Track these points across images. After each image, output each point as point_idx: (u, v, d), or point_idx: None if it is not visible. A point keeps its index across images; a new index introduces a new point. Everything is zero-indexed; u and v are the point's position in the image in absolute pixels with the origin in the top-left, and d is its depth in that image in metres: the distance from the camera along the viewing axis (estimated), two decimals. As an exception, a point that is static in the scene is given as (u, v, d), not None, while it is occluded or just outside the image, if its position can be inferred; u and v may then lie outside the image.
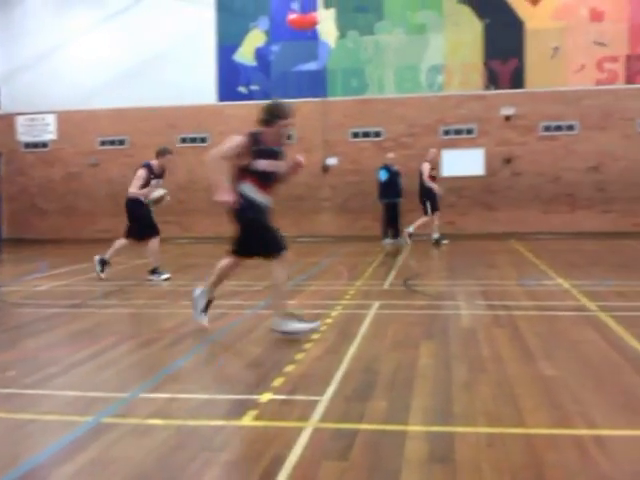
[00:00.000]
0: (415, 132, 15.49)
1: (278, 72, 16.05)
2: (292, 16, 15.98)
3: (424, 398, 3.80)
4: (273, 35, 16.06)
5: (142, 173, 8.80)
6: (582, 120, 14.87)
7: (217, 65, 16.23)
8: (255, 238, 5.23)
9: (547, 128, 15.07)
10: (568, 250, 11.96)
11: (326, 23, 15.87)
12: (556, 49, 14.93)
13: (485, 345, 5.02)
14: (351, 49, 15.83)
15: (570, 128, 14.97)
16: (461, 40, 15.32)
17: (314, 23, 15.92)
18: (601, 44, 14.76)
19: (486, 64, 15.27)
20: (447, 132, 15.48)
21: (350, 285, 8.10)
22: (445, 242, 13.14)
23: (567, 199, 14.91)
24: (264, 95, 15.99)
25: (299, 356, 4.74)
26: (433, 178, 13.16)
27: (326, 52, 15.90)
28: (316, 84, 15.88)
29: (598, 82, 14.87)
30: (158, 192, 8.86)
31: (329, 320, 5.99)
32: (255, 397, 3.84)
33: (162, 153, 8.97)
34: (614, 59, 14.80)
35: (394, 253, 11.97)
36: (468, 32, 15.26)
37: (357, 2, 15.72)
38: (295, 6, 15.96)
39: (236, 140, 5.13)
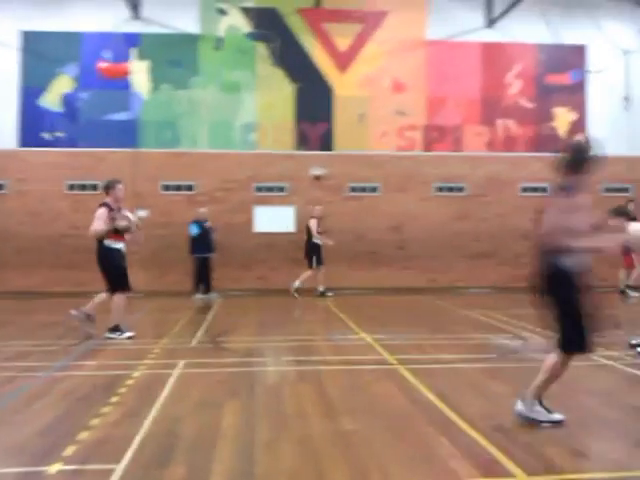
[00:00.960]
0: (229, 187, 15.59)
1: (86, 120, 15.47)
2: (103, 64, 15.58)
3: (226, 460, 3.69)
4: (82, 82, 15.52)
5: (102, 211, 8.04)
6: (385, 182, 15.86)
7: (20, 109, 15.31)
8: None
9: (353, 189, 15.88)
10: (371, 305, 12.51)
11: (139, 74, 15.64)
12: (362, 116, 15.90)
13: (290, 402, 5.03)
14: (164, 102, 15.70)
15: (374, 190, 15.90)
16: (273, 101, 15.82)
17: (125, 73, 15.63)
18: (402, 113, 15.95)
19: (297, 125, 15.86)
20: (260, 189, 15.76)
21: (155, 343, 7.80)
22: (330, 294, 13.57)
23: (370, 256, 15.69)
24: (70, 143, 15.29)
25: (95, 421, 4.43)
26: (320, 233, 13.70)
27: (138, 103, 15.63)
28: (127, 134, 15.49)
29: (399, 148, 16.02)
30: (124, 221, 8.10)
31: (130, 382, 5.69)
32: (43, 469, 3.52)
33: (110, 187, 8.25)
34: (413, 127, 16.06)
35: (204, 309, 11.79)
36: (280, 94, 15.80)
37: (172, 56, 15.71)
38: (107, 54, 15.58)
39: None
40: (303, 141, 15.88)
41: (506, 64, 16.05)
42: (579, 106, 16.17)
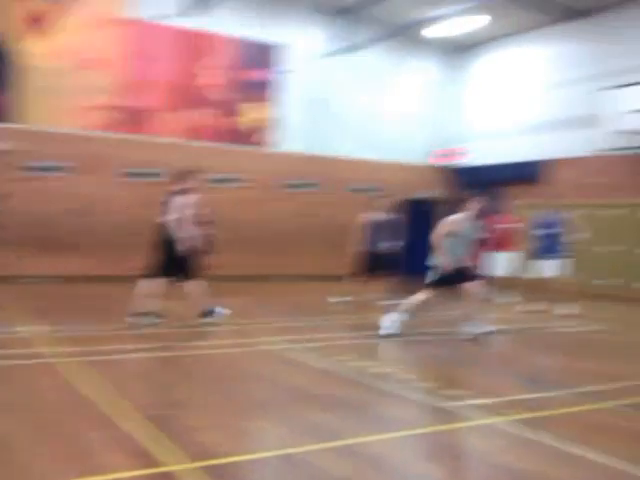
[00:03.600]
0: None
1: None
2: None
3: None
4: None
5: None
6: (73, 163, 14.96)
7: None
8: None
9: (32, 168, 14.68)
10: (40, 295, 11.85)
11: None
12: (50, 89, 14.82)
13: None
14: None
15: (59, 170, 14.94)
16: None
17: None
18: (95, 91, 15.24)
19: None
20: None
21: None
22: None
23: (50, 241, 14.59)
24: None
25: None
26: None
27: None
28: None
29: (90, 127, 15.26)
30: None
31: None
32: None
33: None
34: (105, 107, 15.38)
35: None
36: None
37: None
38: None
39: None
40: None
41: (203, 53, 16.18)
42: (271, 104, 16.98)
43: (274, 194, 16.86)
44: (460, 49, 19.78)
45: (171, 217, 8.33)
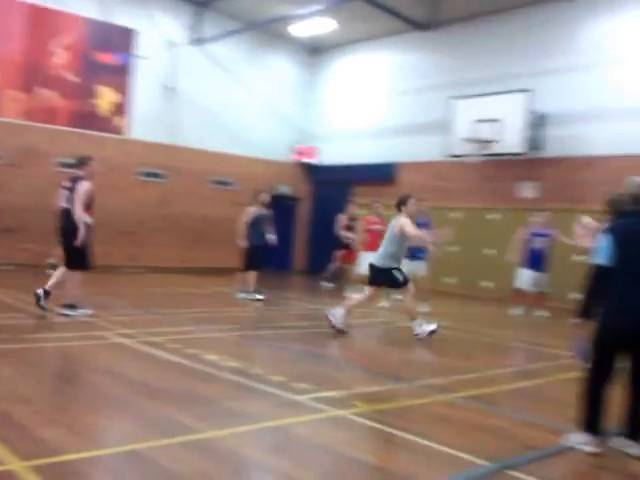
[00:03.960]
0: None
1: None
2: None
3: None
4: None
5: None
6: None
7: None
8: None
9: None
10: None
11: None
12: None
13: None
14: None
15: None
16: None
17: None
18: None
19: None
20: None
21: None
22: None
23: None
24: None
25: None
26: None
27: None
28: None
29: None
30: None
31: None
32: None
33: None
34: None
35: None
36: None
37: None
38: None
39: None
40: None
41: (54, 32, 15.18)
42: (124, 88, 16.40)
43: (129, 182, 16.31)
44: (319, 50, 20.26)
45: (75, 204, 8.27)
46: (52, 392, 5.08)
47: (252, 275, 11.89)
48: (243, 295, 11.79)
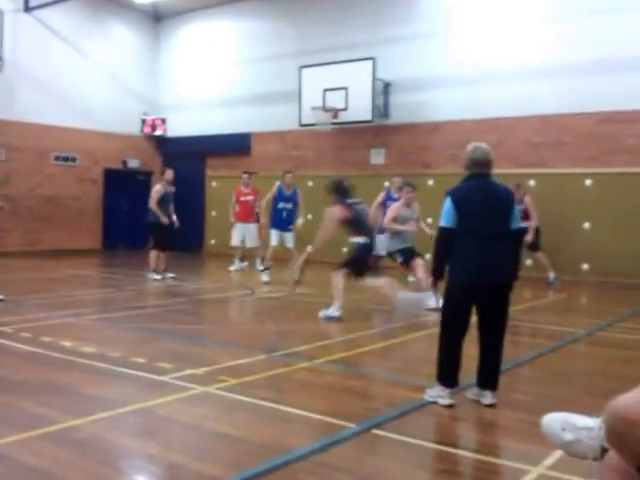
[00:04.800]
0: None
1: None
2: None
3: None
4: None
5: None
6: None
7: None
8: None
9: None
10: None
11: None
12: None
13: None
14: None
15: None
16: None
17: None
18: None
19: None
20: None
21: None
22: None
23: None
24: None
25: None
26: None
27: None
28: None
29: None
30: None
31: None
32: None
33: None
34: None
35: None
36: None
37: None
38: None
39: None
40: None
41: None
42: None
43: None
44: (162, 18, 19.64)
45: None
46: None
47: (153, 254, 11.73)
48: (152, 275, 11.70)
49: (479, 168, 4.74)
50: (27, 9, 16.23)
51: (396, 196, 12.07)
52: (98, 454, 3.66)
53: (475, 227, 4.59)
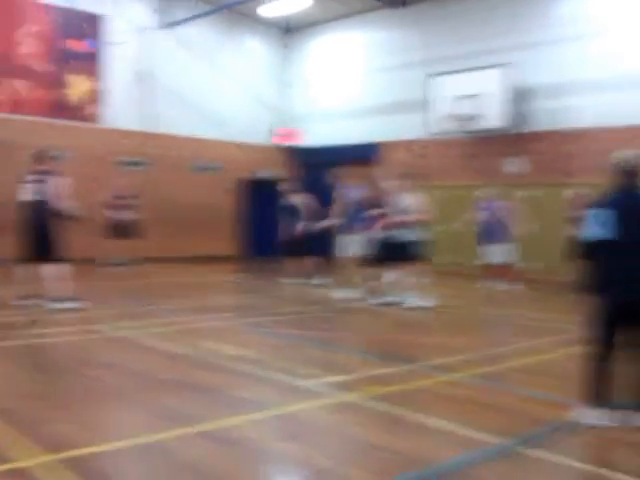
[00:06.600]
0: None
1: None
2: None
3: None
4: None
5: None
6: None
7: None
8: None
9: None
10: None
11: None
12: None
13: None
14: None
15: None
16: None
17: None
18: None
19: None
20: None
21: None
22: None
23: None
24: None
25: None
26: None
27: None
28: None
29: None
30: None
31: None
32: None
33: None
34: None
35: None
36: None
37: None
38: None
39: None
40: None
41: (19, 21, 14.85)
42: (96, 76, 16.08)
43: (108, 172, 15.97)
44: (295, 30, 20.02)
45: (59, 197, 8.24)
46: (56, 387, 5.01)
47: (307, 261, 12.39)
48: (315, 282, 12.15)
49: (629, 178, 4.52)
50: (166, 25, 17.17)
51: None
52: (249, 454, 3.78)
53: (634, 239, 4.38)
